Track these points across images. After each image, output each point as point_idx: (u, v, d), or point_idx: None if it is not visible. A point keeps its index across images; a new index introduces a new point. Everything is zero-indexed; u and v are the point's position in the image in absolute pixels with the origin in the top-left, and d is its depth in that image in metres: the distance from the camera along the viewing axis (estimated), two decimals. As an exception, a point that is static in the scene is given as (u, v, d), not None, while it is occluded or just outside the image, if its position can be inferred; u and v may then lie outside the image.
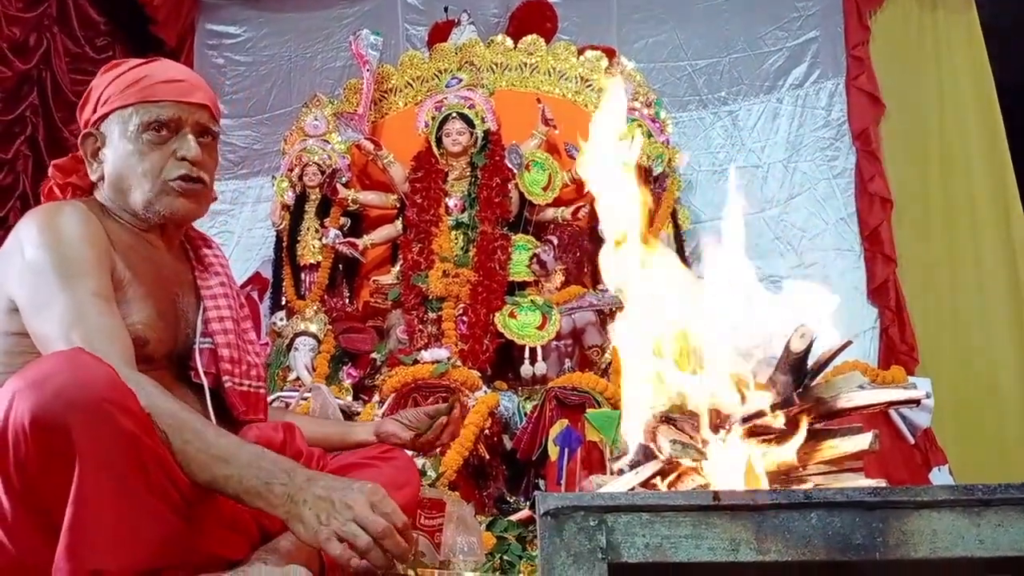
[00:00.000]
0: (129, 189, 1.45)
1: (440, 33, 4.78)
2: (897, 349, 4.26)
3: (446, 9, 4.85)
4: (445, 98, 4.26)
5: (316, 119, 4.47)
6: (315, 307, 4.15)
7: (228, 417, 1.48)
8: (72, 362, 1.11)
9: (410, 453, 1.80)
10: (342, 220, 4.35)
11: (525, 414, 3.44)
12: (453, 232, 4.09)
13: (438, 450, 2.74)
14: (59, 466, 1.07)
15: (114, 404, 1.09)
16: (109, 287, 1.34)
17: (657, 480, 1.20)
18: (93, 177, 1.48)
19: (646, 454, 1.23)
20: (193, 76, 1.54)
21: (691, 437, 1.20)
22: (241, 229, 4.97)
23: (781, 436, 1.21)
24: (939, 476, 3.59)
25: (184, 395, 1.42)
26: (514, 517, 2.87)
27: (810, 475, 1.19)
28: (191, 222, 1.58)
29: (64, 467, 1.07)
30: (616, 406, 3.22)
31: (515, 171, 4.11)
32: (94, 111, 1.49)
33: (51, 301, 1.28)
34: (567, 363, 3.83)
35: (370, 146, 4.30)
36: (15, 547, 1.12)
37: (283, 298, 4.32)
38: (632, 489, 1.19)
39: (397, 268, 4.20)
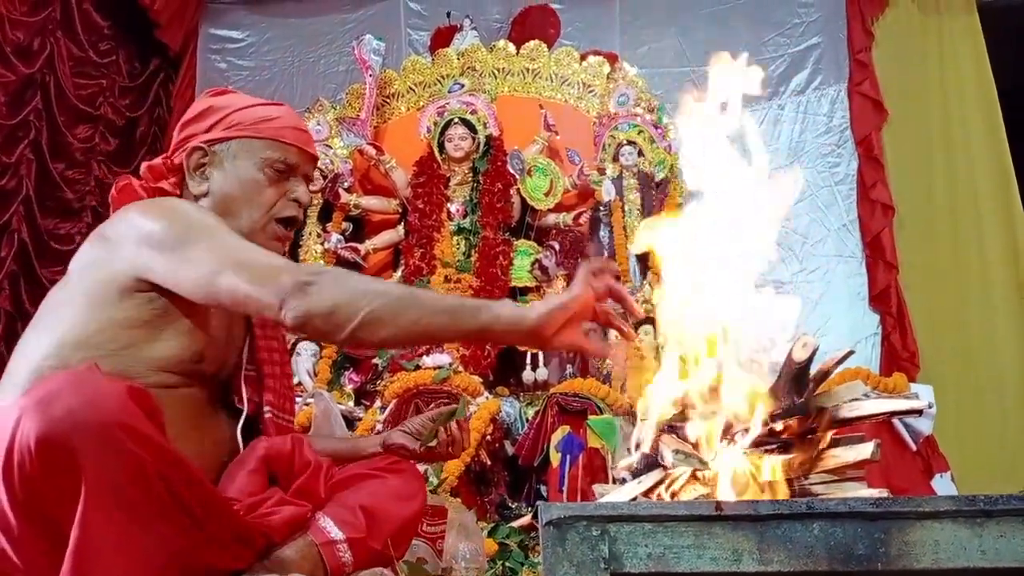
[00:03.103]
0: (236, 213, 1.48)
1: (442, 38, 4.79)
2: (898, 356, 4.25)
3: (448, 14, 4.86)
4: (447, 103, 4.27)
5: (318, 124, 4.47)
6: (317, 312, 4.14)
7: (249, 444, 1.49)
8: (81, 383, 1.09)
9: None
10: (344, 225, 4.36)
11: (527, 420, 3.45)
12: (455, 237, 4.09)
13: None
14: (65, 484, 1.05)
15: (123, 427, 1.07)
16: None
17: (660, 489, 1.20)
18: (196, 191, 1.50)
19: (649, 463, 1.23)
20: (309, 130, 1.65)
21: (694, 447, 1.20)
22: (243, 232, 4.98)
23: (784, 446, 1.21)
24: (941, 483, 3.59)
25: (218, 417, 1.45)
26: (515, 523, 2.86)
27: (812, 484, 1.18)
28: None
29: (70, 485, 1.05)
30: (617, 413, 3.22)
31: (517, 176, 4.11)
32: (209, 129, 1.52)
33: (192, 248, 1.31)
34: (569, 369, 3.83)
35: (372, 151, 4.30)
36: (21, 561, 1.11)
37: (285, 303, 4.32)
38: (634, 499, 1.19)
39: (399, 273, 4.20)
